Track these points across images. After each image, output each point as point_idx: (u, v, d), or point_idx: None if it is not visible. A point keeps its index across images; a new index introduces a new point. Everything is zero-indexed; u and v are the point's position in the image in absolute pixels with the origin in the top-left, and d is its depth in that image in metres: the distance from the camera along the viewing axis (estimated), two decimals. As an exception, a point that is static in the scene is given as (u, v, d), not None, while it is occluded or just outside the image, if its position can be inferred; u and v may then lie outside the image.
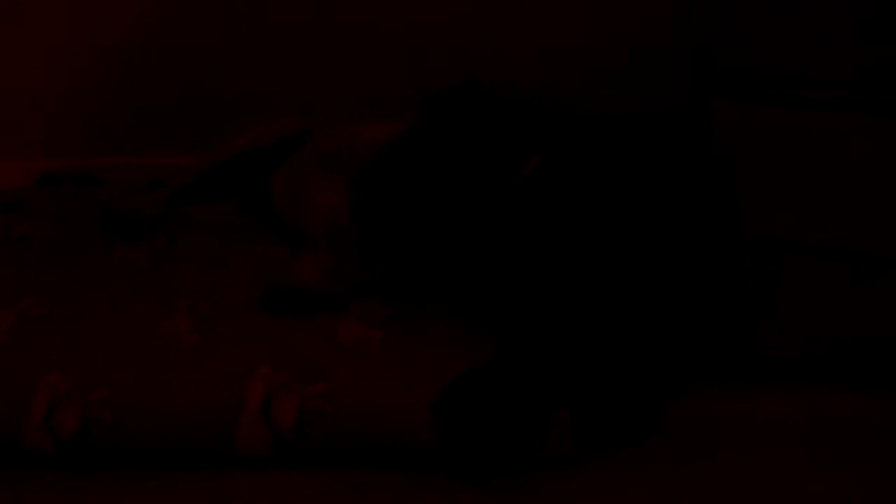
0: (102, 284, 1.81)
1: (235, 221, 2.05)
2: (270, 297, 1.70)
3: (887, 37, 1.54)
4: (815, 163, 1.60)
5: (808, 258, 1.62)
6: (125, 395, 1.51)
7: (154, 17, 2.25)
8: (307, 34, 2.26)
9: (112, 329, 1.65)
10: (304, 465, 1.49)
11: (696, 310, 1.65)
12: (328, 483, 1.46)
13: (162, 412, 1.50)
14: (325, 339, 1.63)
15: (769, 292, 1.64)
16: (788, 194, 1.62)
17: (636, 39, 2.21)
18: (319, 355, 1.58)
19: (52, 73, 2.28)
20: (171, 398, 1.51)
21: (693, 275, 1.64)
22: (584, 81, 2.26)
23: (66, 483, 1.47)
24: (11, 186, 2.23)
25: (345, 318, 1.69)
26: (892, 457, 1.50)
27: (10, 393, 1.51)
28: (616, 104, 1.99)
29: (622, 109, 1.82)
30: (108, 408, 1.49)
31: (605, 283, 1.53)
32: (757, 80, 1.60)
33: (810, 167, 1.60)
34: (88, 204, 2.12)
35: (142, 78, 2.28)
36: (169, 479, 1.47)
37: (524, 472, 1.45)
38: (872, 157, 1.58)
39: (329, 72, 2.27)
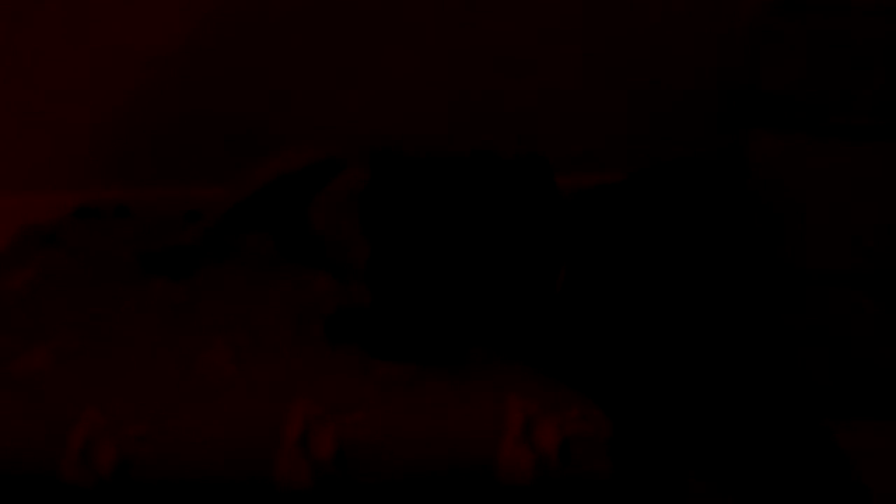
0: (141, 318, 1.80)
1: (272, 255, 2.03)
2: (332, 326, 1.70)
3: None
4: (860, 191, 1.59)
5: (844, 287, 1.59)
6: (163, 430, 1.49)
7: (183, 58, 2.26)
8: (323, 74, 2.27)
9: (150, 363, 1.65)
10: (344, 495, 1.47)
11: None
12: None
13: (200, 447, 1.48)
14: (361, 371, 1.62)
15: (818, 325, 1.63)
16: (836, 225, 1.60)
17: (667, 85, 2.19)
18: (356, 387, 1.57)
19: (88, 108, 2.28)
20: (209, 432, 1.49)
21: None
22: (618, 128, 2.25)
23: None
24: (48, 219, 2.22)
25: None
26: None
27: (49, 427, 1.50)
28: (651, 148, 1.96)
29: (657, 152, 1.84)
30: (147, 443, 1.48)
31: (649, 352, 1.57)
32: (790, 106, 1.57)
33: (856, 194, 1.59)
34: (125, 236, 2.12)
35: (172, 113, 2.28)
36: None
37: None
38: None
39: (342, 108, 2.27)
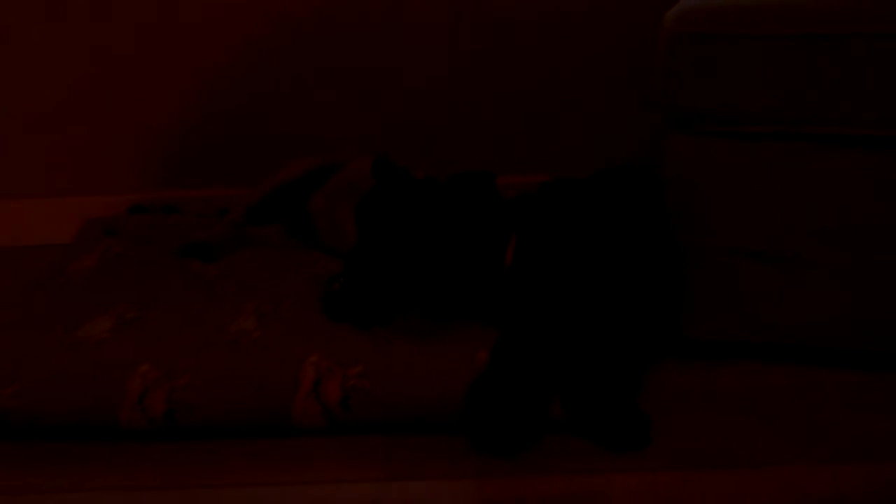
0: (184, 292, 1.82)
1: (285, 241, 2.05)
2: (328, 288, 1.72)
3: (806, 80, 1.53)
4: (751, 183, 1.59)
5: (745, 262, 1.61)
6: (203, 381, 1.51)
7: (217, 82, 2.26)
8: (334, 93, 2.26)
9: (192, 328, 1.66)
10: (348, 433, 1.49)
11: (656, 313, 1.65)
12: (366, 445, 1.47)
13: (232, 394, 1.50)
14: (361, 332, 1.63)
15: (715, 290, 1.63)
16: (730, 209, 1.60)
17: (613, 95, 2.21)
18: (357, 343, 1.58)
19: (140, 122, 2.28)
20: (240, 382, 1.51)
21: (653, 285, 1.64)
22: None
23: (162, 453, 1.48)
24: (108, 215, 2.23)
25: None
26: (811, 414, 1.51)
27: (111, 380, 1.51)
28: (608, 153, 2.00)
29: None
30: (191, 391, 1.49)
31: (582, 308, 1.58)
32: (706, 117, 1.58)
33: (747, 187, 1.59)
34: (170, 228, 2.13)
35: (214, 126, 2.28)
36: (245, 444, 1.48)
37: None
38: (794, 177, 1.57)
39: (349, 121, 2.27)
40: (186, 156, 2.30)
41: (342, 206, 1.93)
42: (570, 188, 1.68)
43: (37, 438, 1.49)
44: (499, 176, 1.74)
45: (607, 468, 1.39)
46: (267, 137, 2.27)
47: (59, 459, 1.46)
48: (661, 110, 1.61)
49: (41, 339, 1.63)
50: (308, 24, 2.21)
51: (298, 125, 2.27)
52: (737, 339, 1.64)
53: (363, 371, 1.50)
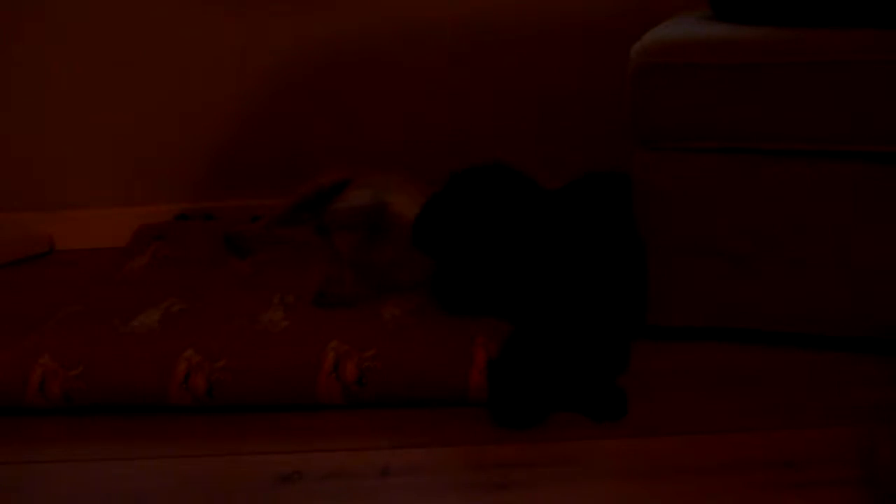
0: (221, 288, 1.82)
1: (310, 241, 2.04)
2: (318, 298, 1.71)
3: (749, 103, 1.52)
4: (704, 191, 1.59)
5: (700, 258, 1.60)
6: (239, 363, 1.51)
7: (260, 105, 2.25)
8: (358, 114, 2.26)
9: (229, 318, 1.65)
10: (365, 407, 1.49)
11: (630, 303, 1.65)
12: (379, 418, 1.47)
13: (264, 374, 1.49)
14: (373, 318, 1.63)
15: (675, 283, 1.63)
16: (687, 213, 1.60)
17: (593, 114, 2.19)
18: (371, 330, 1.58)
19: (185, 141, 2.28)
20: (271, 364, 1.50)
21: (628, 278, 1.64)
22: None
23: (204, 425, 1.48)
24: (157, 222, 2.23)
25: (385, 304, 1.68)
26: (760, 387, 1.50)
27: (160, 364, 1.51)
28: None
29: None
30: (228, 372, 1.49)
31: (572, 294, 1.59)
32: (666, 135, 1.58)
33: (700, 194, 1.59)
34: (211, 233, 2.12)
35: (248, 145, 2.28)
36: (274, 417, 1.48)
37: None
38: (741, 185, 1.57)
39: (369, 139, 2.26)
40: (224, 171, 2.30)
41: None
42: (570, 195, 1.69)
43: (97, 413, 1.50)
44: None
45: (586, 436, 1.38)
46: (293, 155, 2.27)
47: (116, 432, 1.47)
48: (630, 129, 1.61)
49: (101, 328, 1.63)
50: (333, 50, 2.21)
51: (323, 143, 2.26)
52: (694, 324, 1.63)
53: (376, 353, 1.50)
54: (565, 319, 1.54)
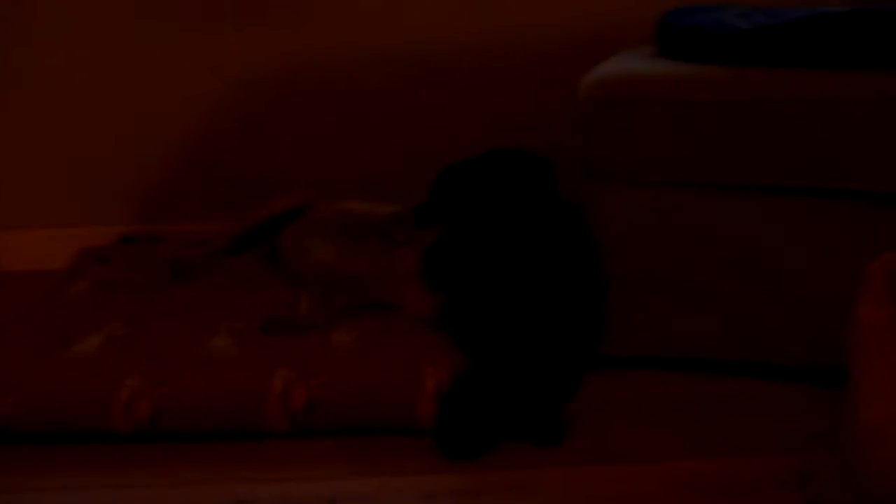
0: (166, 313, 1.77)
1: (258, 268, 2.01)
2: (267, 324, 1.68)
3: (693, 138, 1.55)
4: (651, 223, 1.61)
5: (649, 288, 1.63)
6: (184, 390, 1.48)
7: (209, 128, 2.22)
8: (313, 137, 2.24)
9: (173, 344, 1.62)
10: (313, 436, 1.46)
11: (582, 329, 1.65)
12: (330, 446, 1.45)
13: (210, 401, 1.47)
14: (323, 346, 1.61)
15: (625, 312, 1.65)
16: (635, 244, 1.63)
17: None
18: (320, 357, 1.56)
19: (131, 163, 2.24)
20: (217, 391, 1.48)
21: (582, 304, 1.65)
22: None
23: (147, 454, 1.44)
24: (100, 244, 2.18)
25: (337, 329, 1.67)
26: (705, 416, 1.52)
27: (101, 389, 1.47)
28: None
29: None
30: (172, 399, 1.46)
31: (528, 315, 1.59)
32: (614, 168, 1.61)
33: (648, 225, 1.62)
34: (156, 256, 2.07)
35: (194, 168, 2.25)
36: (220, 446, 1.45)
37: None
38: (685, 217, 1.60)
39: (326, 163, 2.25)
40: (172, 193, 2.26)
41: (305, 240, 1.91)
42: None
43: (36, 442, 1.45)
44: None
45: (532, 464, 1.38)
46: (243, 179, 2.25)
47: (52, 461, 1.42)
48: (579, 161, 1.63)
49: (40, 353, 1.58)
50: (287, 73, 2.19)
51: (275, 168, 2.24)
52: (642, 353, 1.65)
53: (324, 382, 1.48)
54: (517, 346, 1.54)
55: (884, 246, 1.17)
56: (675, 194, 1.59)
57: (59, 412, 1.44)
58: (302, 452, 1.43)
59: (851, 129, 1.49)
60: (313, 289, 1.77)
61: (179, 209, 2.26)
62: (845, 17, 1.52)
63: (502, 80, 2.21)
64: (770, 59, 1.57)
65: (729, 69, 1.57)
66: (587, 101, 1.58)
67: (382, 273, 1.75)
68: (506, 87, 2.20)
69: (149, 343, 1.62)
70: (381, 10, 2.18)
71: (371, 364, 1.54)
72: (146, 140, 2.23)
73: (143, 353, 1.58)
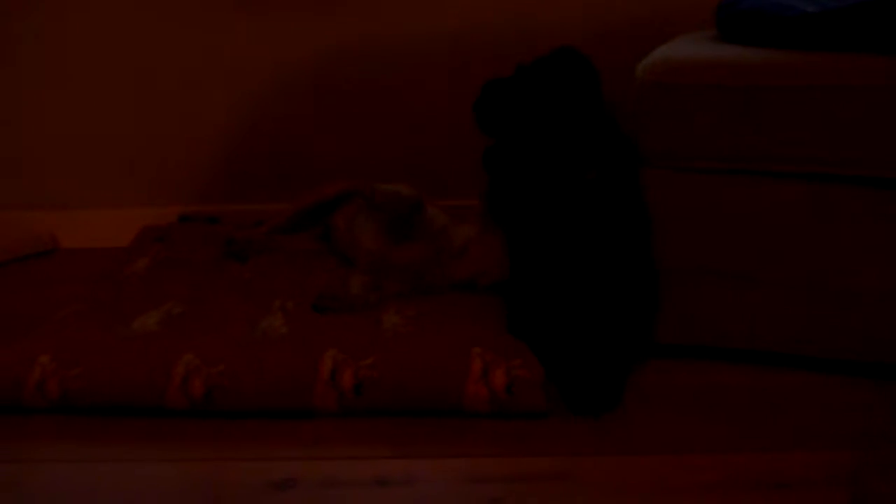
0: (221, 292, 1.80)
1: (312, 248, 2.03)
2: (319, 302, 1.70)
3: (751, 124, 1.51)
4: (706, 211, 1.58)
5: (706, 278, 1.59)
6: (237, 369, 1.49)
7: (267, 110, 2.24)
8: (363, 123, 2.24)
9: (228, 323, 1.65)
10: (361, 416, 1.47)
11: (639, 310, 1.64)
12: (378, 427, 1.45)
13: (261, 381, 1.48)
14: (373, 326, 1.62)
15: (681, 302, 1.62)
16: (690, 234, 1.59)
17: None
18: (369, 339, 1.57)
19: (190, 145, 2.27)
20: (268, 371, 1.49)
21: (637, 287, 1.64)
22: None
23: (200, 430, 1.46)
24: (159, 224, 2.22)
25: (386, 311, 1.68)
26: (752, 410, 1.49)
27: (159, 366, 1.50)
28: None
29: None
30: (226, 377, 1.48)
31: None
32: (670, 154, 1.57)
33: (703, 214, 1.58)
34: (212, 236, 2.11)
35: (251, 150, 2.27)
36: (270, 424, 1.46)
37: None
38: (744, 206, 1.56)
39: (374, 149, 2.25)
40: (228, 174, 2.29)
41: (357, 222, 1.92)
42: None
43: (93, 414, 1.48)
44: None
45: (579, 452, 1.37)
46: (298, 161, 2.26)
47: (111, 433, 1.45)
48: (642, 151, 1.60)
49: (101, 329, 1.62)
50: (343, 57, 2.19)
51: (329, 151, 2.25)
52: (693, 343, 1.62)
53: (373, 363, 1.49)
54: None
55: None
56: (734, 182, 1.54)
57: (118, 387, 1.47)
58: (350, 432, 1.44)
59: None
60: (365, 270, 1.78)
61: (235, 190, 2.29)
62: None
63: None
64: (836, 43, 1.51)
65: (793, 53, 1.51)
66: (645, 87, 1.55)
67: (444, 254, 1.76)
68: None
69: (205, 321, 1.65)
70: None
71: (419, 346, 1.54)
72: (203, 122, 2.25)
73: (199, 331, 1.60)
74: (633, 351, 1.59)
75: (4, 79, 2.21)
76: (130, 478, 1.34)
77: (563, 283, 1.60)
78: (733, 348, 1.61)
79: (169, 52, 2.20)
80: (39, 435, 1.46)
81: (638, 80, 1.56)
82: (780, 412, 1.48)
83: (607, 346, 1.54)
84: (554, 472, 1.33)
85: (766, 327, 1.58)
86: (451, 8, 2.15)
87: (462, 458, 1.37)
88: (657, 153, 1.57)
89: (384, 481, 1.31)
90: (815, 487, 1.27)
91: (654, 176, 1.59)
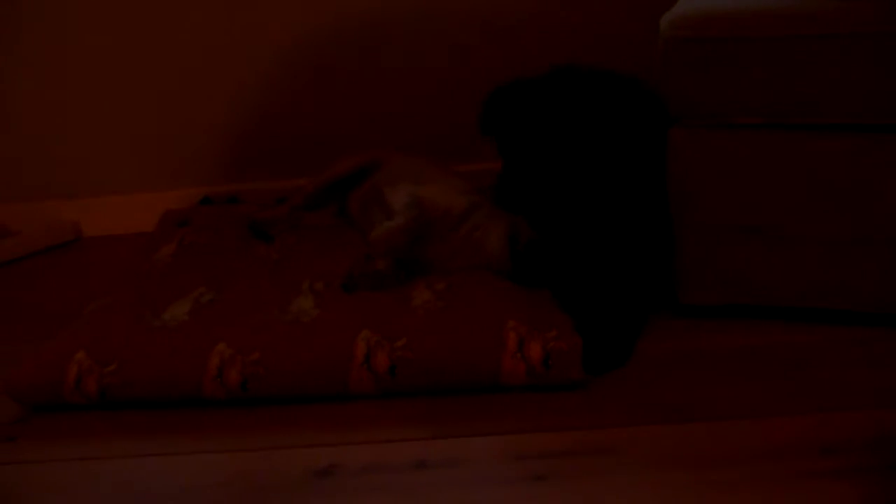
0: (250, 275, 1.78)
1: (334, 223, 2.00)
2: (348, 281, 1.66)
3: (784, 77, 1.45)
4: (737, 167, 1.53)
5: (734, 235, 1.55)
6: (271, 357, 1.47)
7: (281, 87, 2.20)
8: (381, 98, 2.21)
9: (258, 308, 1.62)
10: (398, 397, 1.45)
11: (656, 268, 1.62)
12: (412, 408, 1.43)
13: (297, 367, 1.46)
14: (403, 304, 1.59)
15: (709, 260, 1.58)
16: (720, 190, 1.54)
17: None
18: (401, 318, 1.53)
19: (207, 124, 2.24)
20: (303, 357, 1.47)
21: (656, 243, 1.61)
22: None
23: (238, 419, 1.45)
24: (182, 207, 2.19)
25: (416, 286, 1.65)
26: (791, 369, 1.46)
27: (193, 358, 1.48)
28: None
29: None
30: (260, 365, 1.46)
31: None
32: (698, 110, 1.51)
33: (734, 170, 1.53)
34: (235, 217, 2.08)
35: (269, 128, 2.23)
36: (308, 409, 1.44)
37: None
38: (775, 161, 1.50)
39: (390, 122, 2.21)
40: (247, 153, 2.26)
41: (370, 207, 1.88)
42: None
43: (132, 408, 1.47)
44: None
45: (620, 423, 1.35)
46: (316, 136, 2.22)
47: (152, 428, 1.44)
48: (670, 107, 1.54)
49: (133, 322, 1.59)
50: (358, 30, 2.15)
51: (346, 125, 2.21)
52: (727, 302, 1.59)
53: (406, 343, 1.46)
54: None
55: None
56: (763, 137, 1.49)
57: (155, 380, 1.46)
58: (388, 414, 1.42)
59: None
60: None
61: (254, 169, 2.26)
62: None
63: (576, 26, 2.10)
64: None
65: (830, 0, 1.44)
66: (667, 40, 1.48)
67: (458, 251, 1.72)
68: (581, 33, 2.10)
69: (235, 307, 1.62)
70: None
71: (452, 322, 1.51)
72: (219, 102, 2.21)
73: (231, 318, 1.58)
74: (641, 310, 1.56)
75: (20, 69, 2.18)
76: (174, 471, 1.33)
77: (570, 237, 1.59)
78: (763, 306, 1.57)
79: (183, 31, 2.16)
80: (82, 433, 1.44)
81: (663, 35, 1.49)
82: (819, 369, 1.44)
83: (612, 303, 1.53)
84: (597, 446, 1.30)
85: (804, 283, 1.54)
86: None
87: (503, 434, 1.35)
88: (683, 110, 1.52)
89: (425, 464, 1.29)
90: (865, 450, 1.24)
91: (682, 134, 1.53)
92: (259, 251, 1.89)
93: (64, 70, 2.18)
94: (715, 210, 1.55)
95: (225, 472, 1.32)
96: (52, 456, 1.38)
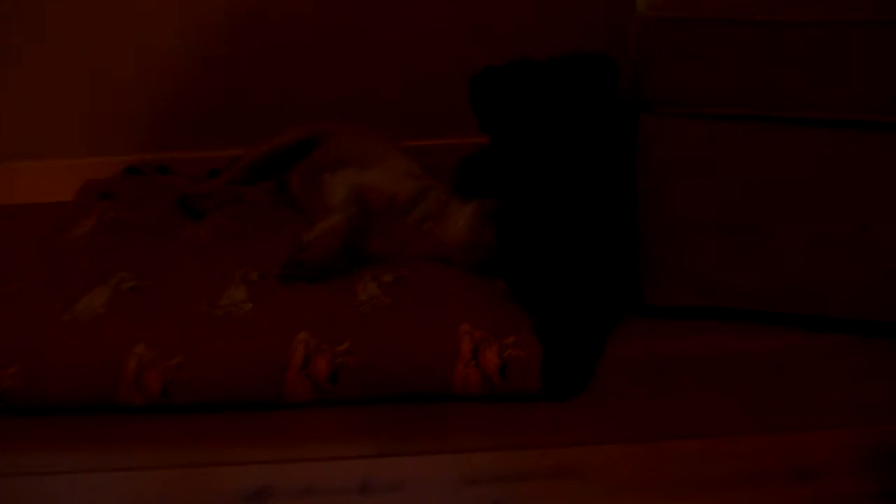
0: (176, 260, 1.60)
1: (273, 200, 1.83)
2: (285, 271, 1.50)
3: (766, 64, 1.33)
4: (712, 161, 1.41)
5: (706, 233, 1.43)
6: (197, 360, 1.31)
7: (220, 43, 1.99)
8: (326, 59, 2.00)
9: (185, 300, 1.45)
10: (339, 406, 1.31)
11: (619, 269, 1.50)
12: (354, 419, 1.29)
13: (226, 372, 1.30)
14: (346, 300, 1.43)
15: (678, 259, 1.46)
16: (692, 185, 1.42)
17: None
18: (344, 317, 1.38)
19: (136, 86, 2.02)
20: (233, 360, 1.31)
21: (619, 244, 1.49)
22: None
23: (157, 429, 1.28)
24: (104, 177, 1.98)
25: (360, 279, 1.49)
26: (763, 380, 1.36)
27: (107, 361, 1.31)
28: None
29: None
30: (185, 370, 1.30)
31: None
32: (672, 99, 1.38)
33: (708, 164, 1.41)
34: (164, 189, 1.88)
35: (204, 91, 2.02)
36: (238, 418, 1.29)
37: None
38: (752, 155, 1.38)
39: (339, 87, 2.02)
40: (179, 118, 2.06)
41: (312, 187, 1.71)
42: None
43: (36, 415, 1.29)
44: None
45: (583, 441, 1.22)
46: (254, 102, 2.03)
47: (57, 438, 1.27)
48: (632, 92, 1.40)
49: (41, 314, 1.41)
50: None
51: (287, 93, 2.02)
52: (697, 304, 1.47)
53: (349, 348, 1.32)
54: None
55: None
56: (742, 128, 1.37)
57: (63, 386, 1.29)
58: (328, 427, 1.28)
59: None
60: None
61: (186, 136, 2.06)
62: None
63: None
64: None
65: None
66: (648, 23, 1.34)
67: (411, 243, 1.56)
68: (547, 5, 1.94)
69: (159, 298, 1.45)
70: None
71: (401, 325, 1.36)
72: (149, 61, 2.00)
73: (153, 312, 1.41)
74: (607, 315, 1.45)
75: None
76: (79, 492, 1.17)
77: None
78: (737, 309, 1.46)
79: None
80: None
81: (638, 16, 1.36)
82: (795, 382, 1.34)
83: (576, 301, 1.40)
84: (557, 468, 1.18)
85: (775, 285, 1.43)
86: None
87: (454, 453, 1.22)
88: (657, 97, 1.38)
89: (369, 487, 1.15)
90: (844, 476, 1.14)
91: (656, 123, 1.40)
92: (188, 231, 1.71)
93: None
94: (687, 205, 1.43)
95: (139, 493, 1.17)
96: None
